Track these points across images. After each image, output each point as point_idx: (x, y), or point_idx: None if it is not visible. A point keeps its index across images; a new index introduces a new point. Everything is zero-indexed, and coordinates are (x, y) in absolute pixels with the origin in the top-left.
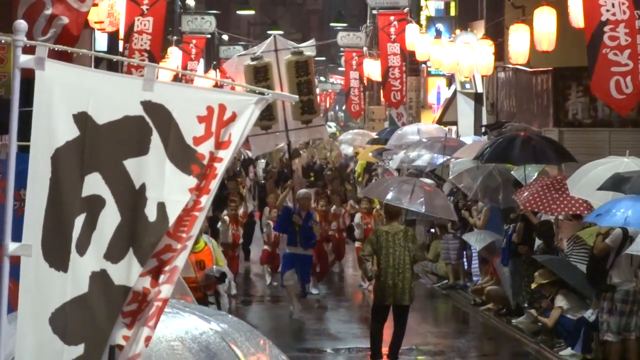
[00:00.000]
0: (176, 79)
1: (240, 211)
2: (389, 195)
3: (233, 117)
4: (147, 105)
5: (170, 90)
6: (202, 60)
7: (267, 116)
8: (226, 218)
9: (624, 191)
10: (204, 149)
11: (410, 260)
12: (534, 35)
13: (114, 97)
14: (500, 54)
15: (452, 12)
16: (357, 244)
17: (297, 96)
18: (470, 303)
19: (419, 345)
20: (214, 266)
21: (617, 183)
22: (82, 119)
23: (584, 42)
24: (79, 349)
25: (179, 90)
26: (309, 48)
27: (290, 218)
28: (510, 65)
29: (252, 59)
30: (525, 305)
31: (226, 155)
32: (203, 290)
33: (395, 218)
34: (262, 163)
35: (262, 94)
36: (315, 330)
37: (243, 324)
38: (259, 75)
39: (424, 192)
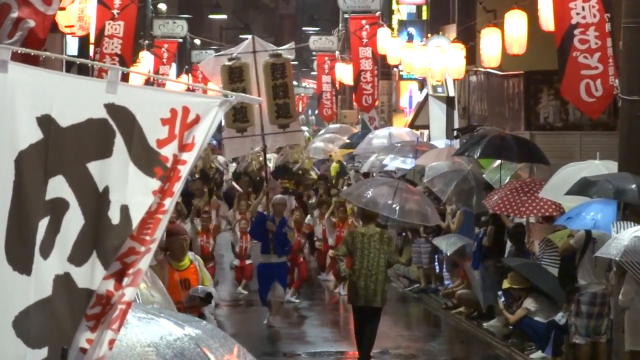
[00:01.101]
0: (148, 83)
1: (212, 225)
2: (363, 200)
3: (197, 120)
4: (111, 108)
5: (133, 93)
6: (174, 65)
7: (241, 118)
8: (198, 228)
9: (590, 195)
10: (168, 151)
11: (384, 263)
12: (505, 39)
13: (77, 100)
14: (472, 57)
15: (424, 16)
16: (330, 252)
17: (260, 98)
18: (441, 307)
19: (390, 348)
20: (199, 286)
21: (583, 187)
22: (45, 122)
23: (554, 45)
24: (43, 353)
25: (142, 93)
26: (287, 51)
27: (264, 224)
28: (482, 69)
29: (229, 60)
30: (501, 299)
31: (190, 157)
32: (187, 312)
33: (372, 220)
34: (232, 167)
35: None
36: (287, 335)
37: (217, 330)
38: (234, 76)
39: (401, 196)
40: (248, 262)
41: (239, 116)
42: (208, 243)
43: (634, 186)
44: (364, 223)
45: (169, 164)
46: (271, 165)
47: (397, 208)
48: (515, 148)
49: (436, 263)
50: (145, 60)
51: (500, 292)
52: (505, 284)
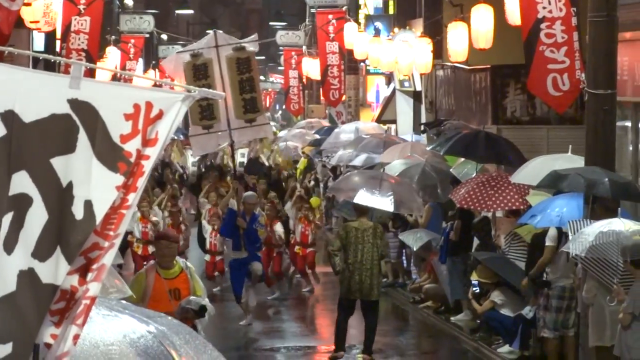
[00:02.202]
0: (115, 78)
1: (182, 219)
2: (355, 195)
3: (160, 115)
4: (74, 103)
5: (97, 88)
6: (141, 60)
7: (208, 115)
8: (163, 221)
9: (561, 188)
10: (131, 146)
11: (378, 256)
12: (472, 33)
13: (40, 95)
14: (439, 52)
15: (391, 11)
16: (296, 248)
17: (223, 93)
18: (409, 301)
19: (358, 343)
20: (191, 297)
21: (554, 180)
22: (8, 118)
23: (521, 39)
24: (7, 348)
25: (105, 88)
26: (251, 44)
27: (234, 221)
28: (449, 63)
29: (192, 56)
30: (474, 288)
31: (153, 152)
32: None
33: (364, 214)
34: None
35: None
36: (257, 330)
37: (183, 326)
38: (199, 74)
39: (389, 188)
40: (219, 258)
41: (205, 113)
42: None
43: (605, 180)
44: (357, 217)
45: (132, 159)
46: (244, 159)
47: (390, 201)
48: (481, 148)
49: (404, 258)
50: (112, 55)
51: (475, 282)
52: (474, 277)
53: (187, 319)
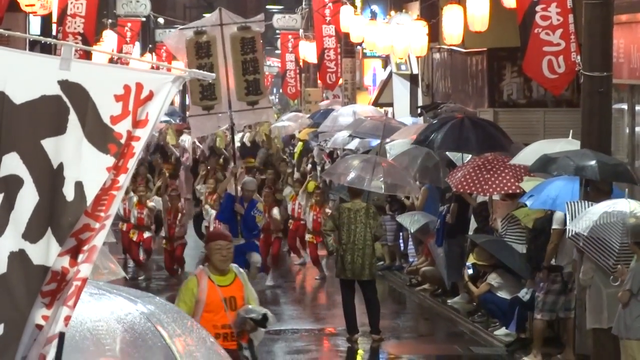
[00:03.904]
0: (111, 62)
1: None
2: (348, 178)
3: (150, 96)
4: (65, 84)
5: (87, 69)
6: (137, 44)
7: (209, 96)
8: (164, 204)
9: (550, 172)
10: (122, 127)
11: (371, 237)
12: (467, 16)
13: (31, 77)
14: (435, 34)
15: None
16: (307, 237)
17: (213, 74)
18: (406, 284)
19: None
20: (251, 306)
21: (544, 164)
22: None
23: (517, 22)
24: None
25: (96, 69)
26: (256, 24)
27: (233, 207)
28: (445, 46)
29: (195, 33)
30: (469, 270)
31: (143, 133)
32: (237, 339)
33: (358, 195)
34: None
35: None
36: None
37: (171, 307)
38: (201, 51)
39: (382, 171)
40: None
41: (206, 93)
42: (175, 224)
43: (593, 162)
44: (350, 198)
45: (122, 141)
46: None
47: (382, 183)
48: (473, 138)
49: (401, 240)
50: (109, 39)
51: (469, 264)
52: (471, 259)
53: (244, 331)
